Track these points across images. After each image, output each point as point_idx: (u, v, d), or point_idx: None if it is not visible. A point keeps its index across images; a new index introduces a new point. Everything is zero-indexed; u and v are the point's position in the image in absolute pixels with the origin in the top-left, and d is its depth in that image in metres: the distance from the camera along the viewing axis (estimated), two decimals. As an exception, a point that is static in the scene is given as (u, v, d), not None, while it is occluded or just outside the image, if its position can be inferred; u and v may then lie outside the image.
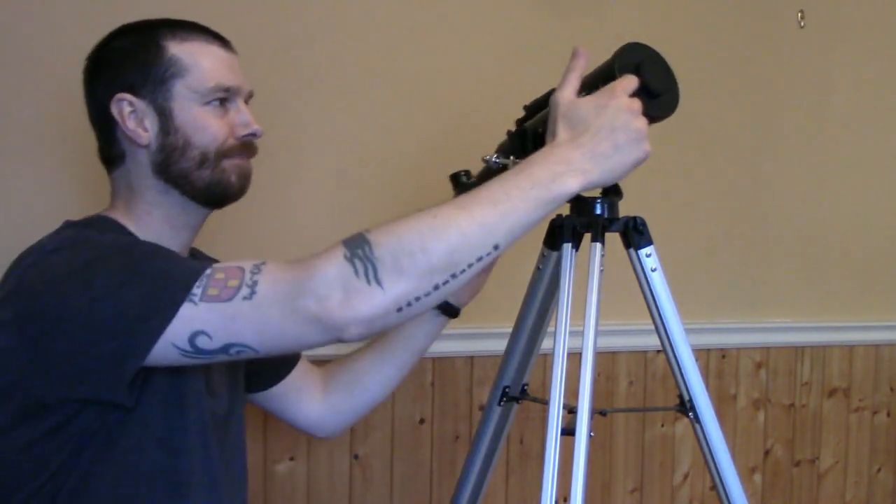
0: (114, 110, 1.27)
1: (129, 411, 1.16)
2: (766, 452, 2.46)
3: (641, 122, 1.20)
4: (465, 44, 2.10)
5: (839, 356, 2.53)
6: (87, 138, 1.37)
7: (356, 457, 2.04)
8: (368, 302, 1.05)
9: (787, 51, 2.43)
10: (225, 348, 1.09)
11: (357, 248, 1.07)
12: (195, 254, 1.45)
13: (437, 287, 1.08)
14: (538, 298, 1.53)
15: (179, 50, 1.27)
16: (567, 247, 1.42)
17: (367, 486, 2.05)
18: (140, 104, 1.27)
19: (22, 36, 1.73)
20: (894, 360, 2.59)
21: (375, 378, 1.59)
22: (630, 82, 1.23)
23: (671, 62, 1.42)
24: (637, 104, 1.21)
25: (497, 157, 1.46)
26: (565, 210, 1.52)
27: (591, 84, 1.42)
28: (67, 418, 1.14)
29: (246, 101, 1.35)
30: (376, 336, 1.61)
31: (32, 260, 1.18)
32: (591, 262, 1.38)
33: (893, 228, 2.58)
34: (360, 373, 1.60)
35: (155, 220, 1.31)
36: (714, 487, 1.54)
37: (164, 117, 1.27)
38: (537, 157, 1.17)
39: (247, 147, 1.32)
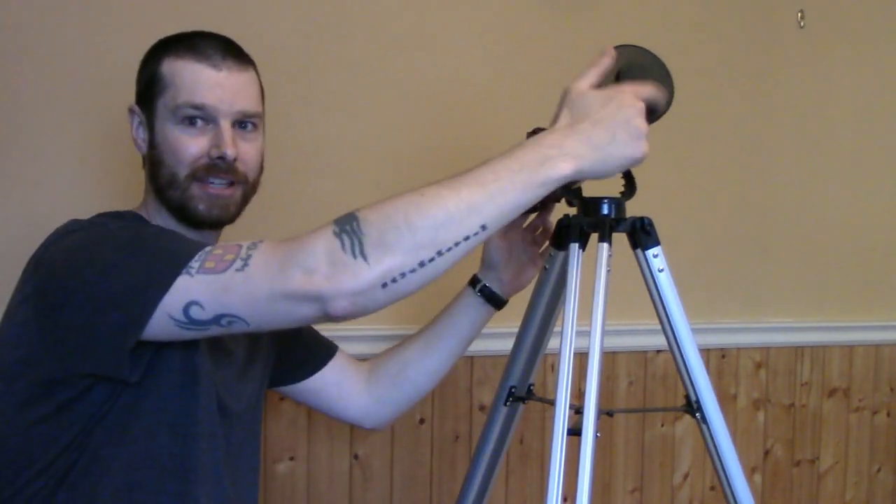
0: (128, 119, 1.37)
1: (142, 394, 1.18)
2: (766, 452, 2.46)
3: (643, 123, 1.20)
4: (472, 45, 2.10)
5: (839, 356, 2.53)
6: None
7: (356, 457, 2.03)
8: (353, 276, 1.06)
9: (787, 51, 2.43)
10: (216, 318, 1.10)
11: (346, 223, 1.09)
12: None
13: (422, 264, 1.08)
14: (545, 298, 1.53)
15: (167, 67, 1.30)
16: (574, 247, 1.41)
17: (367, 486, 2.05)
18: (141, 116, 1.35)
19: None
20: (894, 360, 2.60)
21: (420, 368, 1.60)
22: (643, 89, 1.23)
23: (670, 62, 1.42)
24: (641, 106, 1.21)
25: None
26: (573, 210, 1.51)
27: None
28: (77, 395, 1.16)
29: (246, 123, 1.34)
30: (423, 327, 1.64)
31: (53, 239, 1.24)
32: (599, 262, 1.38)
33: (893, 228, 2.59)
34: (406, 363, 1.61)
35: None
36: (715, 488, 1.55)
37: (151, 132, 1.33)
38: (530, 141, 1.17)
39: (217, 169, 1.31)
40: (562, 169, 1.14)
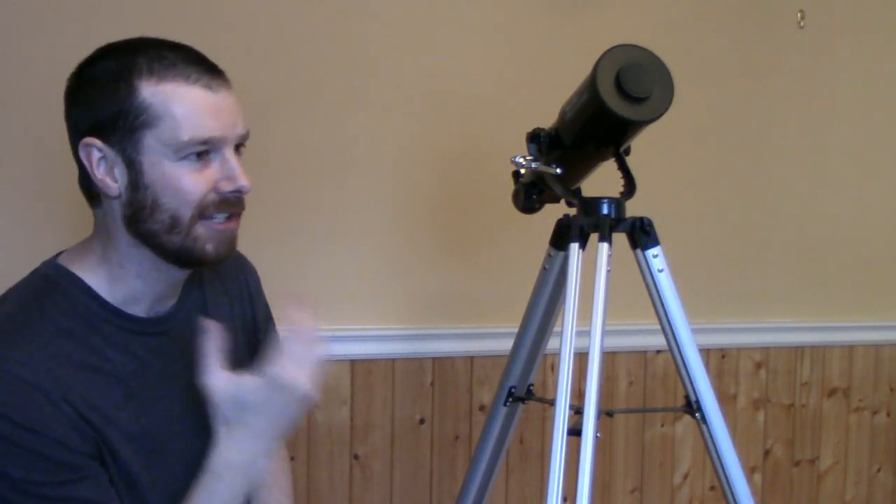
0: (82, 155, 1.13)
1: None
2: (766, 452, 2.46)
3: (298, 392, 1.16)
4: (473, 47, 2.10)
5: (839, 356, 2.53)
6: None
7: (356, 457, 2.03)
8: None
9: (787, 51, 2.43)
10: None
11: None
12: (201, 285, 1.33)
13: None
14: (544, 299, 1.53)
15: (152, 93, 1.10)
16: (574, 246, 1.41)
17: (367, 486, 2.05)
18: (109, 152, 1.12)
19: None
20: (894, 360, 2.59)
21: None
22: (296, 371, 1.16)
23: (671, 62, 1.42)
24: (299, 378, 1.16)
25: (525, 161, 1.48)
26: (572, 210, 1.52)
27: (580, 93, 1.44)
28: None
29: (239, 146, 1.18)
30: None
31: None
32: (599, 261, 1.38)
33: (893, 228, 2.58)
34: None
35: (129, 274, 1.18)
36: (715, 488, 1.55)
37: (133, 171, 1.12)
38: (225, 470, 1.16)
39: (228, 204, 1.16)
40: (263, 464, 1.18)
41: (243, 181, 1.15)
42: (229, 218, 1.17)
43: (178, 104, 1.10)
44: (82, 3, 1.77)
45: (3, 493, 1.07)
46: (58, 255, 1.22)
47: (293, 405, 1.16)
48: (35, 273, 1.20)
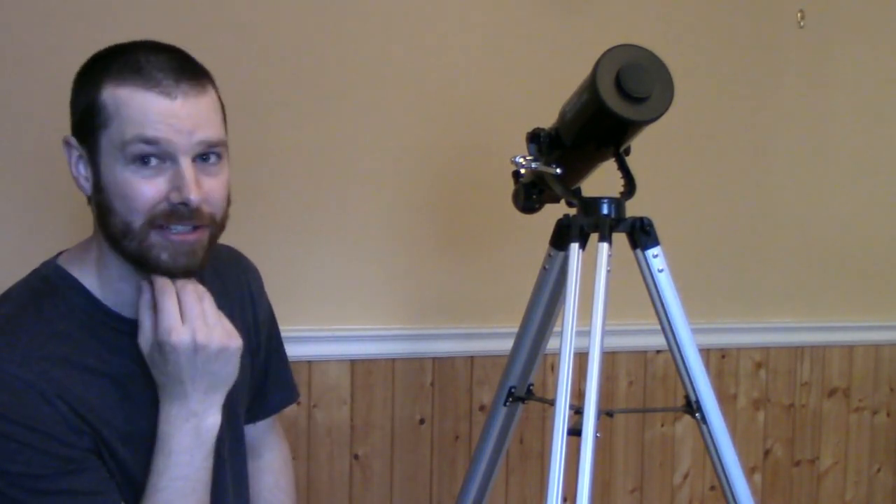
0: (64, 152, 1.16)
1: None
2: (766, 452, 2.46)
3: (217, 349, 1.16)
4: (474, 46, 2.10)
5: (839, 356, 2.53)
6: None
7: (356, 457, 2.03)
8: None
9: (787, 51, 2.43)
10: None
11: None
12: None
13: None
14: (545, 299, 1.53)
15: (109, 95, 1.10)
16: (574, 246, 1.41)
17: (367, 486, 2.05)
18: (83, 151, 1.14)
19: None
20: (894, 360, 2.60)
21: None
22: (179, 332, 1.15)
23: (671, 62, 1.42)
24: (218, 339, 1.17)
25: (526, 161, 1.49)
26: (572, 210, 1.52)
27: (580, 92, 1.44)
28: None
29: (210, 155, 1.14)
30: None
31: None
32: (599, 262, 1.38)
33: (893, 228, 2.59)
34: None
35: (114, 277, 1.18)
36: (715, 488, 1.55)
37: (96, 173, 1.13)
38: (170, 429, 1.16)
39: (179, 216, 1.11)
40: (213, 421, 1.18)
41: (190, 193, 1.10)
42: (194, 229, 1.14)
43: (128, 107, 1.09)
44: (83, 3, 1.77)
45: (2, 489, 1.08)
46: (58, 255, 1.23)
47: (202, 360, 1.15)
48: (35, 274, 1.21)
